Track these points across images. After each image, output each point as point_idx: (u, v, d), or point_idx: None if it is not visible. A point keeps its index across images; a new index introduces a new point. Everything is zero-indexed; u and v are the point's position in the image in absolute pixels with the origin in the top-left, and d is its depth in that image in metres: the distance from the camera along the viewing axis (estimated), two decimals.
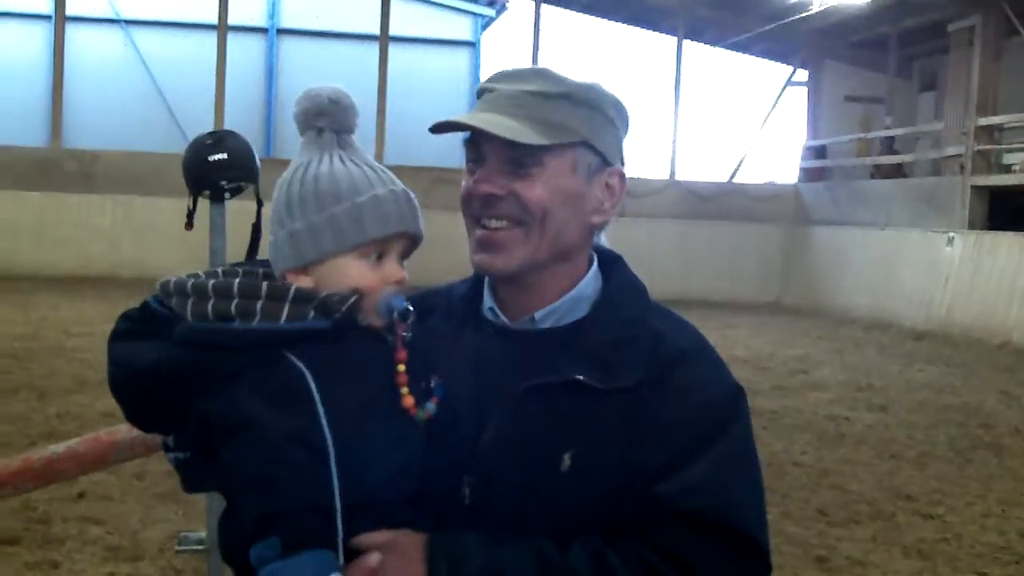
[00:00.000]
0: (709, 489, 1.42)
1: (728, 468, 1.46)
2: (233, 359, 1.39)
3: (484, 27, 35.39)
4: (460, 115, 1.50)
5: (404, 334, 1.47)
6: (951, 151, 18.92)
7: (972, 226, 17.48)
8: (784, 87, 26.00)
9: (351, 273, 1.47)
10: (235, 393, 1.37)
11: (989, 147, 17.96)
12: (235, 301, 1.43)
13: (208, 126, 11.61)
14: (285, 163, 1.59)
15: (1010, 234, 16.16)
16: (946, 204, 18.17)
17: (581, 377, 1.46)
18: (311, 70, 29.71)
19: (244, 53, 25.17)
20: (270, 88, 26.95)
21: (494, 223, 1.51)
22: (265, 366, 1.39)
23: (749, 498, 1.48)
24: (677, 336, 1.56)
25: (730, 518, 1.42)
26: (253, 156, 3.72)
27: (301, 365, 1.38)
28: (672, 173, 23.36)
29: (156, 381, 1.42)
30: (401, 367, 1.47)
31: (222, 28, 21.18)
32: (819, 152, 23.63)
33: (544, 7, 24.30)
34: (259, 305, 1.42)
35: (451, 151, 30.91)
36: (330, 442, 1.35)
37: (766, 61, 27.01)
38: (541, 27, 24.31)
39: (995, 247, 16.23)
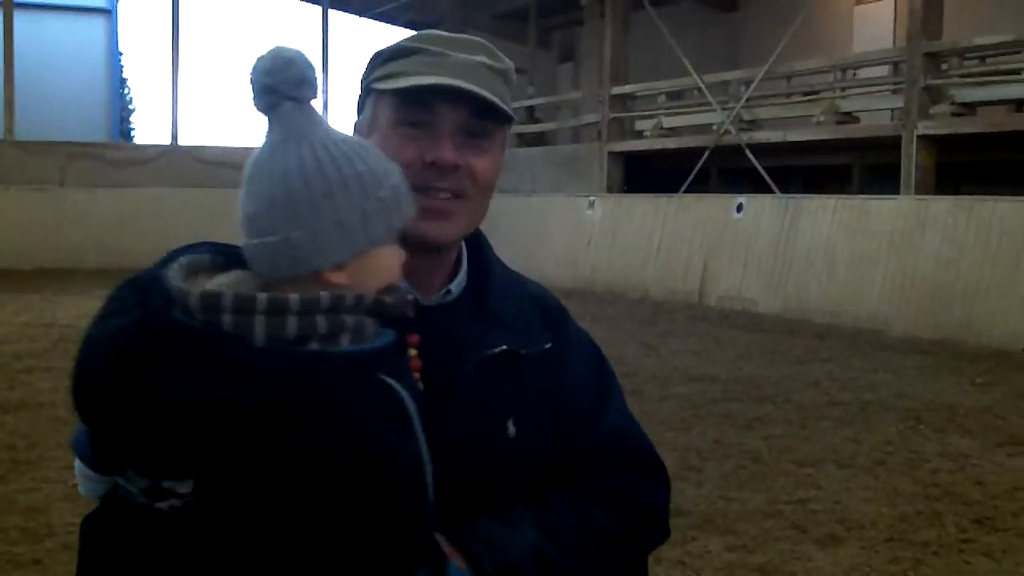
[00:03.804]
0: (628, 429, 1.64)
1: (626, 407, 1.67)
2: (338, 388, 1.20)
3: None
4: (428, 77, 1.41)
5: (411, 314, 1.35)
6: (589, 119, 19.88)
7: (610, 190, 18.45)
8: None
9: (392, 263, 1.33)
10: (356, 424, 1.21)
11: (623, 115, 18.99)
12: (319, 317, 1.21)
13: None
14: None
15: (644, 196, 17.19)
16: (586, 170, 19.07)
17: (506, 347, 1.51)
18: None
19: None
20: None
21: (443, 194, 1.46)
22: (368, 391, 1.24)
23: (640, 426, 1.69)
24: (548, 297, 1.68)
25: (649, 450, 1.65)
26: None
27: (398, 386, 1.27)
28: None
29: (242, 421, 1.17)
30: (413, 351, 1.42)
31: None
32: None
33: None
34: (348, 320, 1.23)
35: (88, 125, 29.26)
36: (427, 461, 1.30)
37: (411, 31, 27.23)
38: None
39: (631, 209, 17.21)
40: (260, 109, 1.28)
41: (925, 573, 4.69)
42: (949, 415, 7.87)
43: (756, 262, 14.48)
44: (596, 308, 14.57)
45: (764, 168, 15.49)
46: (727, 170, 18.11)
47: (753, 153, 15.71)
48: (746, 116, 16.51)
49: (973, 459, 6.61)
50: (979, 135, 13.18)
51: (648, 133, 18.47)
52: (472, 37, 1.54)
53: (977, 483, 6.06)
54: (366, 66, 1.52)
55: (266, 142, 1.28)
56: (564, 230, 18.40)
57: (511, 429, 1.51)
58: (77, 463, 1.36)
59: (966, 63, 13.93)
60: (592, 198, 18.03)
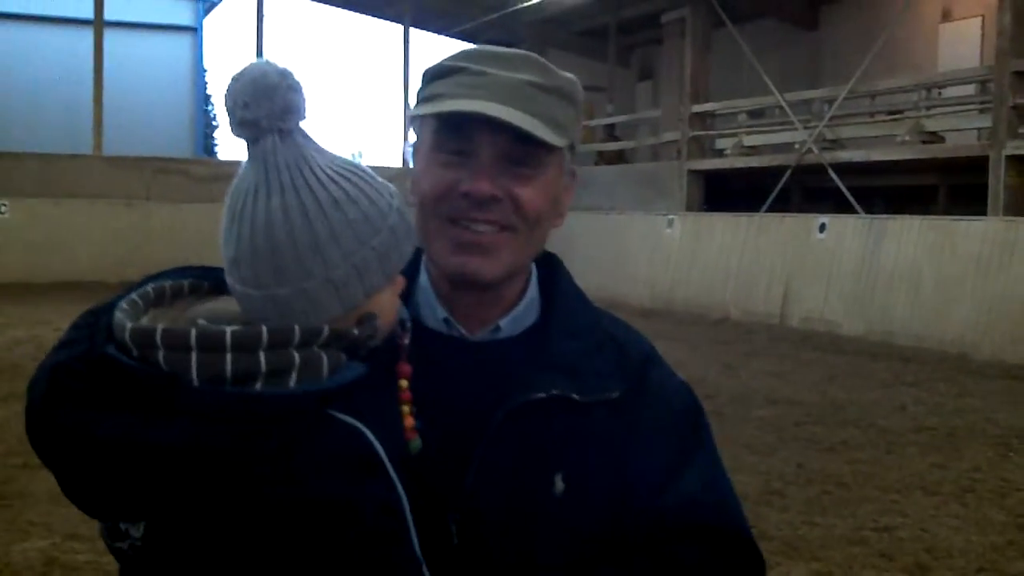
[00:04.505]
0: (707, 499, 1.40)
1: (714, 473, 1.43)
2: (282, 431, 1.10)
3: (206, 12, 34.26)
4: (461, 100, 1.29)
5: (405, 343, 1.28)
6: (668, 137, 19.84)
7: (690, 208, 18.38)
8: None
9: (392, 304, 1.24)
10: (307, 472, 1.10)
11: (703, 133, 18.92)
12: (262, 354, 1.11)
13: None
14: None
15: (724, 215, 17.08)
16: (665, 188, 19.02)
17: (558, 391, 1.34)
18: (20, 57, 27.90)
19: None
20: None
21: (482, 227, 1.33)
22: (320, 433, 1.12)
23: (735, 500, 1.45)
24: (633, 339, 1.49)
25: (732, 525, 1.41)
26: None
27: (359, 424, 1.15)
28: (404, 162, 23.31)
29: (174, 465, 1.08)
30: (404, 382, 1.28)
31: None
32: None
33: None
34: (296, 356, 1.12)
35: (173, 141, 29.91)
36: (405, 501, 1.18)
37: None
38: (265, 12, 23.67)
39: (711, 228, 17.11)
40: (240, 139, 1.16)
41: None
42: None
43: (839, 283, 14.29)
44: (675, 328, 14.51)
45: (847, 188, 15.31)
46: (809, 189, 17.94)
47: (836, 173, 15.54)
48: (828, 135, 16.35)
49: None
50: None
51: (728, 151, 18.37)
52: (522, 52, 1.40)
53: None
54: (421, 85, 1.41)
55: (248, 175, 1.16)
56: (643, 249, 18.34)
57: (559, 485, 1.34)
58: None
59: None
60: (671, 217, 17.97)
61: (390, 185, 1.23)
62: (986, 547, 5.32)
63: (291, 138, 1.15)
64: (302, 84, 1.15)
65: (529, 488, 1.34)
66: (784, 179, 16.48)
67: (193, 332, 1.09)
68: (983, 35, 17.18)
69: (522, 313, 1.43)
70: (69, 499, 1.17)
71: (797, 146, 16.61)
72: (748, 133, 18.31)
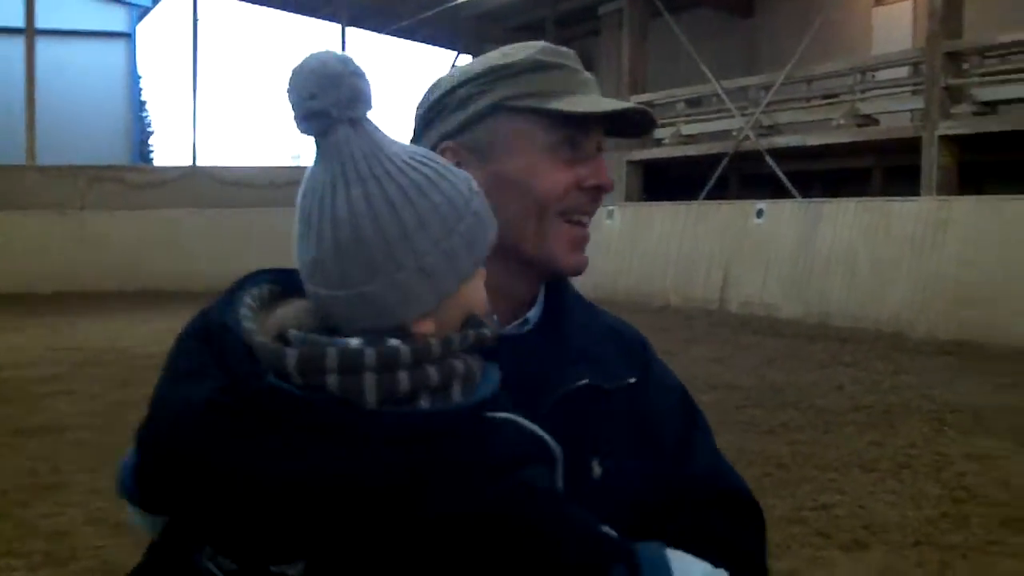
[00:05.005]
0: (719, 469, 1.49)
1: (715, 445, 1.53)
2: (459, 444, 1.05)
3: (140, 18, 33.82)
4: (593, 98, 1.35)
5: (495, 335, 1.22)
6: None
7: (629, 198, 18.41)
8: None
9: (481, 294, 1.17)
10: (485, 480, 1.05)
11: None
12: (432, 367, 1.06)
13: None
14: None
15: (663, 204, 17.13)
16: None
17: (588, 381, 1.38)
18: None
19: None
20: None
21: (587, 219, 1.39)
22: (488, 436, 1.09)
23: (731, 467, 1.55)
24: (627, 328, 1.56)
25: (740, 491, 1.50)
26: None
27: (513, 416, 1.12)
28: None
29: (360, 495, 1.01)
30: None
31: None
32: None
33: None
34: (458, 366, 1.08)
35: (109, 148, 29.48)
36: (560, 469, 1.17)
37: (431, 47, 27.34)
38: (200, 16, 23.38)
39: (650, 217, 17.15)
40: (308, 135, 1.09)
41: None
42: (974, 416, 7.76)
43: (777, 267, 14.39)
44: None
45: (785, 173, 15.41)
46: (747, 176, 18.05)
47: (773, 158, 15.63)
48: (765, 121, 16.44)
49: (999, 460, 6.51)
50: (1002, 134, 13.05)
51: (667, 141, 18.41)
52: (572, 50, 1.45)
53: (1003, 484, 5.97)
54: (472, 80, 1.36)
55: (321, 172, 1.09)
56: None
57: (596, 469, 1.39)
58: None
59: (987, 62, 13.81)
60: (611, 208, 17.98)
61: (462, 171, 1.17)
62: (922, 521, 5.32)
63: (362, 127, 1.08)
64: (365, 71, 1.08)
65: (573, 474, 1.33)
66: (722, 166, 16.54)
67: (367, 352, 1.03)
68: (915, 18, 17.38)
69: (540, 306, 1.46)
70: (214, 546, 1.09)
71: (735, 133, 16.68)
72: (686, 122, 18.37)
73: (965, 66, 13.61)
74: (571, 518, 1.13)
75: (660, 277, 16.38)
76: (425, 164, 1.11)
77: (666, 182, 18.39)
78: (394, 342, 1.05)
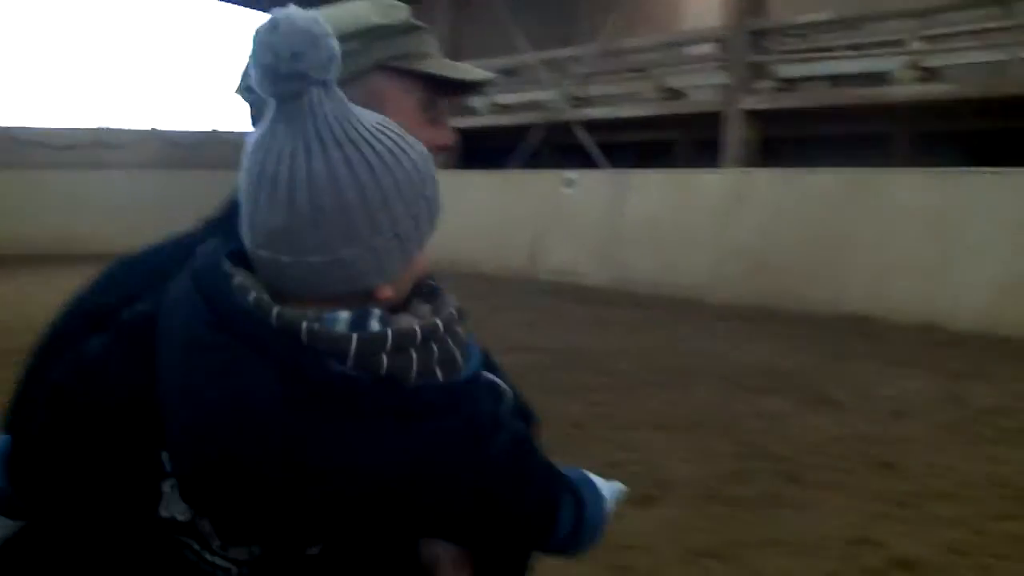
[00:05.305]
0: None
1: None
2: (482, 405, 1.14)
3: None
4: (463, 66, 1.39)
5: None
6: None
7: (444, 166, 18.32)
8: None
9: (427, 259, 1.15)
10: (493, 431, 1.14)
11: None
12: (450, 339, 1.09)
13: None
14: None
15: (478, 172, 17.15)
16: None
17: None
18: None
19: None
20: None
21: None
22: (491, 396, 1.22)
23: None
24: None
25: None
26: None
27: (504, 383, 1.27)
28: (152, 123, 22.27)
29: (429, 471, 1.06)
30: None
31: None
32: None
33: None
34: (464, 337, 1.12)
35: None
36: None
37: (242, 8, 26.52)
38: None
39: (466, 185, 17.14)
40: (276, 96, 1.02)
41: (736, 528, 4.74)
42: (764, 377, 8.06)
43: (585, 236, 14.61)
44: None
45: (598, 144, 15.61)
46: (561, 146, 18.21)
47: (587, 130, 15.82)
48: (578, 93, 16.60)
49: (786, 418, 6.76)
50: (800, 110, 13.56)
51: (482, 110, 18.40)
52: None
53: (787, 441, 6.20)
54: (350, 37, 1.26)
55: (286, 134, 1.03)
56: None
57: None
58: None
59: (788, 41, 14.32)
60: None
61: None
62: (712, 477, 5.46)
63: (333, 90, 1.04)
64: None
65: None
66: (535, 137, 16.65)
67: (417, 330, 1.05)
68: None
69: None
70: (232, 534, 1.08)
71: (548, 104, 16.80)
72: (501, 92, 18.40)
73: (767, 44, 14.08)
74: (546, 460, 1.23)
75: (473, 245, 16.40)
76: (390, 128, 1.09)
77: (481, 151, 18.39)
78: (409, 320, 1.07)
